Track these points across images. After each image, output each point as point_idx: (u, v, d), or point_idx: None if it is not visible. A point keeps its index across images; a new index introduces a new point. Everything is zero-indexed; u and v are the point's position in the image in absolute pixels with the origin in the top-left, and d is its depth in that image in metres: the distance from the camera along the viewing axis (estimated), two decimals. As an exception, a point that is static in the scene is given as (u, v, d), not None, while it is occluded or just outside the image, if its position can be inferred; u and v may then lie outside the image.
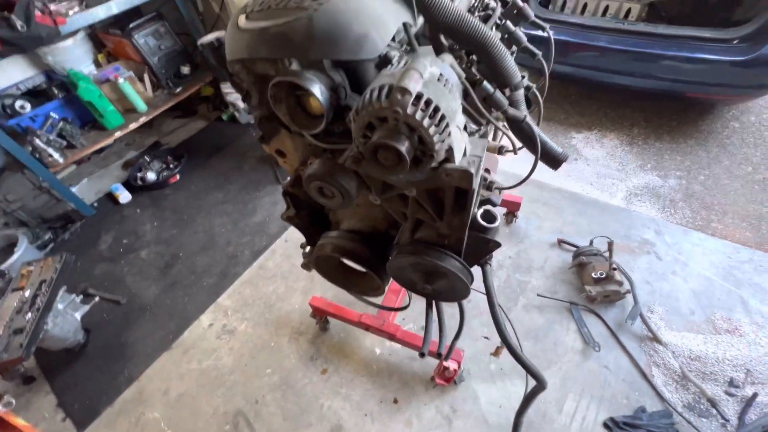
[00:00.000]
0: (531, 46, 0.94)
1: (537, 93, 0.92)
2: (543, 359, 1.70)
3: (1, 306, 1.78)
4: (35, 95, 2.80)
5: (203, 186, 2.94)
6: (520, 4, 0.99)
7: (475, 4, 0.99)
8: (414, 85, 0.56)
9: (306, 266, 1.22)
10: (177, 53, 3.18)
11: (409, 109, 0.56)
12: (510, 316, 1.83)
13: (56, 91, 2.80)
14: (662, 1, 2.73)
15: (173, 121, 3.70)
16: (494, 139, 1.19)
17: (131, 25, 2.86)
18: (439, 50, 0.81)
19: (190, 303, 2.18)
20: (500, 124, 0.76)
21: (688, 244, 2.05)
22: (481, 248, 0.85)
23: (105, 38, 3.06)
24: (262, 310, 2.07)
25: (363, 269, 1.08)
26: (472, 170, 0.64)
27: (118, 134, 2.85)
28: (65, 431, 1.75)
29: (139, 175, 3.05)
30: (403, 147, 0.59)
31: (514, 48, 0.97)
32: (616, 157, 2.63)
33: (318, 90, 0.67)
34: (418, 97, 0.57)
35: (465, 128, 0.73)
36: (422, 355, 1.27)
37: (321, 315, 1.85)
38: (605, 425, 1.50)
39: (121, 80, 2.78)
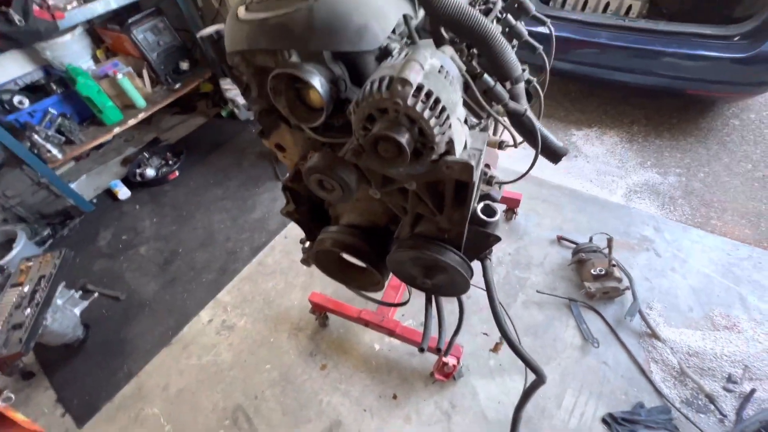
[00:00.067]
0: (532, 40, 0.93)
1: (538, 87, 0.92)
2: (542, 355, 1.70)
3: (1, 301, 1.78)
4: (33, 91, 2.79)
5: (202, 182, 2.94)
6: (521, -3, 0.99)
7: (476, -2, 0.99)
8: (415, 76, 0.56)
9: (305, 261, 1.21)
10: (176, 49, 3.17)
11: (410, 101, 0.56)
12: (509, 312, 1.84)
13: (55, 87, 2.79)
14: (663, -3, 2.72)
15: (172, 117, 3.69)
16: (494, 133, 1.19)
17: (130, 21, 2.84)
18: (439, 43, 0.81)
19: (189, 299, 2.18)
20: (501, 118, 0.76)
21: (688, 241, 2.05)
22: (481, 242, 0.85)
23: (103, 33, 3.04)
24: (261, 306, 2.08)
25: (363, 264, 1.08)
26: (473, 163, 0.64)
27: (117, 130, 2.84)
28: (65, 426, 1.75)
29: (138, 171, 3.04)
30: (404, 139, 0.59)
31: (515, 42, 0.96)
32: (616, 154, 2.63)
33: (318, 82, 0.67)
34: (419, 88, 0.57)
35: (465, 121, 0.72)
36: (422, 350, 1.27)
37: (320, 311, 1.85)
38: (604, 421, 1.50)
39: (119, 76, 2.76)
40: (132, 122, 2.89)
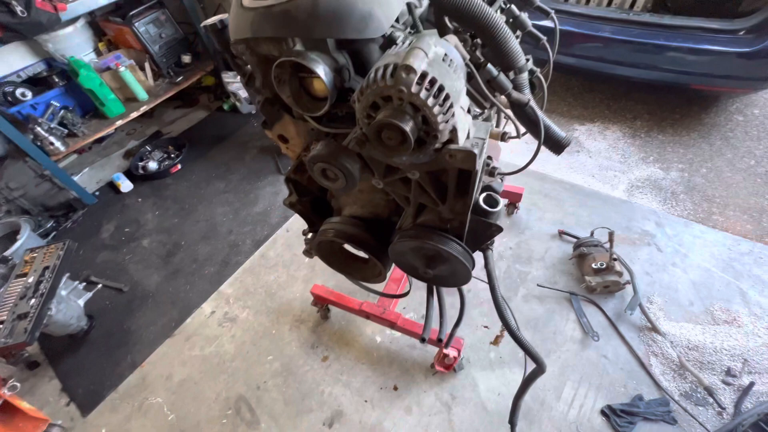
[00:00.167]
0: (535, 30, 0.93)
1: (541, 77, 0.92)
2: (542, 348, 1.71)
3: (5, 292, 1.80)
4: (36, 83, 2.79)
5: (204, 176, 2.94)
6: (525, -12, 0.98)
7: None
8: (419, 64, 0.56)
9: (308, 252, 1.22)
10: (178, 42, 3.17)
11: (414, 88, 0.56)
12: (510, 305, 1.85)
13: (57, 80, 2.79)
14: (668, -9, 2.70)
15: (174, 111, 3.69)
16: (497, 125, 1.19)
17: (132, 13, 2.84)
18: (443, 33, 0.81)
19: (192, 291, 2.19)
20: (504, 107, 0.76)
21: (689, 236, 2.05)
22: (483, 232, 0.85)
23: (105, 26, 3.04)
24: (263, 298, 2.09)
25: (365, 255, 1.08)
26: (476, 151, 0.64)
27: (119, 123, 2.84)
28: (69, 415, 1.77)
29: (140, 164, 3.05)
30: (408, 126, 0.59)
31: (518, 33, 0.96)
32: (618, 149, 2.62)
33: (322, 70, 0.67)
34: (423, 76, 0.57)
35: (468, 111, 0.73)
36: (423, 340, 1.28)
37: (322, 303, 1.86)
38: (603, 413, 1.52)
39: (121, 68, 2.76)
40: (134, 115, 2.89)
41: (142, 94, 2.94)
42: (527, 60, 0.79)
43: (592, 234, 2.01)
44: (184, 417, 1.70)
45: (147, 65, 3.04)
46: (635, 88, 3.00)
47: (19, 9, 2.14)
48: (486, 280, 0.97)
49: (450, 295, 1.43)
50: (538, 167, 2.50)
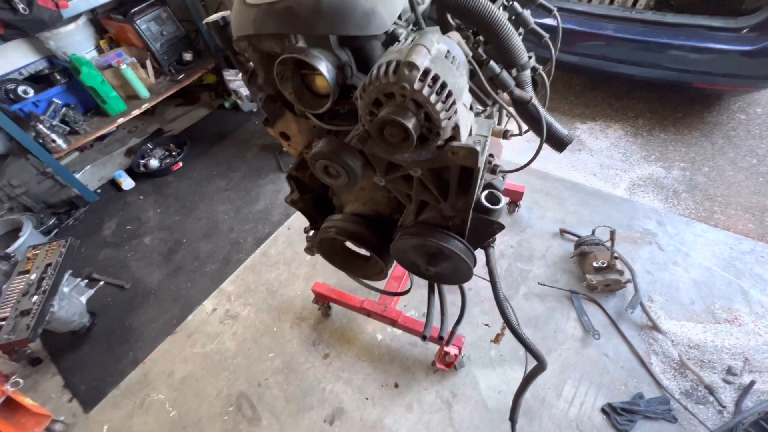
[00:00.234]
0: (538, 28, 0.93)
1: (544, 75, 0.92)
2: (543, 346, 1.71)
3: (8, 288, 1.80)
4: (37, 81, 2.79)
5: (206, 173, 2.95)
6: (528, -15, 0.98)
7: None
8: (422, 61, 0.56)
9: (309, 250, 1.22)
10: (179, 39, 3.17)
11: (417, 85, 0.56)
12: (511, 304, 1.85)
13: (59, 77, 2.80)
14: (671, -11, 2.69)
15: (176, 108, 3.69)
16: (499, 123, 1.19)
17: (133, 10, 2.84)
18: (446, 30, 0.80)
19: (193, 288, 2.20)
20: (506, 104, 0.76)
21: (691, 234, 2.05)
22: (485, 230, 0.85)
23: (107, 23, 3.04)
24: (264, 295, 2.09)
25: (366, 253, 1.09)
26: (478, 148, 0.64)
27: (120, 120, 2.85)
28: (72, 411, 1.78)
29: (142, 162, 3.06)
30: (410, 123, 0.59)
31: (521, 30, 0.96)
32: (620, 148, 2.62)
33: (324, 67, 0.67)
34: (426, 72, 0.57)
35: (471, 108, 0.73)
36: (424, 338, 1.28)
37: (323, 301, 1.87)
38: (603, 411, 1.52)
39: (123, 66, 2.77)
40: (136, 113, 2.90)
41: (143, 92, 2.94)
42: (530, 57, 0.79)
43: (593, 232, 2.01)
44: (185, 413, 1.71)
45: (148, 63, 3.04)
46: (637, 86, 2.99)
47: (20, 6, 2.14)
48: (487, 278, 0.97)
49: (451, 293, 1.43)
50: (539, 165, 2.50)
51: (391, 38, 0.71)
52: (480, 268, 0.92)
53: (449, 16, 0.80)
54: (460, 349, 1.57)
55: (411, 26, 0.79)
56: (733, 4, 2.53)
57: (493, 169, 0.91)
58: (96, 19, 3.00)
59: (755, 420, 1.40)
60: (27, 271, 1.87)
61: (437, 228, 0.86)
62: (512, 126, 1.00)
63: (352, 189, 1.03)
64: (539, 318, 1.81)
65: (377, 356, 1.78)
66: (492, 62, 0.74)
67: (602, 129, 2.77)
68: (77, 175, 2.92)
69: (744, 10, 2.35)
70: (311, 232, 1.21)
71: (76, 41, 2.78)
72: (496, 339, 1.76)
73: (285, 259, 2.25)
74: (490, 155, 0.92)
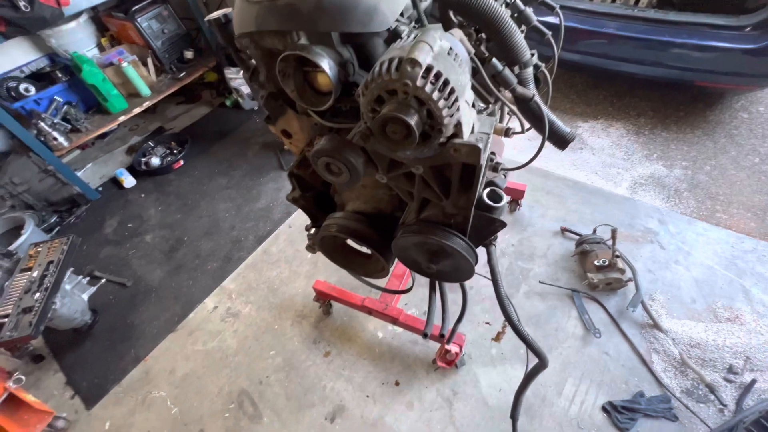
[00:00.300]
0: (540, 25, 0.92)
1: (546, 72, 0.91)
2: (544, 344, 1.70)
3: (10, 285, 1.81)
4: (39, 79, 2.79)
5: (207, 172, 2.95)
6: (530, -17, 0.98)
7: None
8: (424, 57, 0.56)
9: (311, 248, 1.23)
10: (180, 37, 3.16)
11: (419, 82, 0.56)
12: (512, 302, 1.85)
13: (60, 75, 2.80)
14: (673, -13, 2.67)
15: (177, 107, 3.69)
16: (500, 121, 1.19)
17: (134, 8, 2.84)
18: (448, 27, 0.80)
19: (194, 286, 2.20)
20: (508, 101, 0.76)
21: (692, 233, 2.05)
22: (487, 228, 0.85)
23: (108, 21, 3.04)
24: (265, 293, 2.10)
25: (367, 251, 1.09)
26: (481, 146, 0.64)
27: (122, 118, 2.85)
28: (74, 408, 1.79)
29: (143, 160, 3.06)
30: (412, 120, 0.59)
31: (523, 27, 0.96)
32: (621, 146, 2.61)
33: (326, 64, 0.67)
34: (428, 69, 0.57)
35: (473, 106, 0.72)
36: (425, 335, 1.28)
37: (324, 299, 1.87)
38: (604, 409, 1.52)
39: (124, 64, 2.77)
40: (137, 111, 2.90)
41: (144, 90, 2.94)
42: (532, 55, 0.79)
43: (594, 231, 2.01)
44: (187, 411, 1.72)
45: (149, 61, 3.04)
46: (639, 85, 2.98)
47: (22, 4, 2.14)
48: (488, 276, 0.97)
49: (452, 292, 1.43)
50: (540, 164, 2.50)
51: (393, 35, 0.70)
52: (481, 267, 0.92)
53: (451, 14, 0.80)
54: (461, 347, 1.57)
55: (413, 23, 0.79)
56: (736, 2, 2.52)
57: (495, 167, 0.91)
58: (97, 17, 3.00)
59: (756, 419, 1.39)
60: (29, 269, 1.87)
61: (439, 226, 0.86)
62: (514, 124, 1.00)
63: (353, 187, 1.03)
64: (540, 316, 1.81)
65: (378, 354, 1.79)
66: (494, 59, 0.74)
67: (604, 127, 2.77)
68: (79, 173, 2.93)
69: (747, 8, 2.34)
70: (313, 230, 1.21)
71: (77, 39, 2.78)
72: (497, 337, 1.76)
73: (286, 257, 2.25)
74: (492, 153, 0.91)
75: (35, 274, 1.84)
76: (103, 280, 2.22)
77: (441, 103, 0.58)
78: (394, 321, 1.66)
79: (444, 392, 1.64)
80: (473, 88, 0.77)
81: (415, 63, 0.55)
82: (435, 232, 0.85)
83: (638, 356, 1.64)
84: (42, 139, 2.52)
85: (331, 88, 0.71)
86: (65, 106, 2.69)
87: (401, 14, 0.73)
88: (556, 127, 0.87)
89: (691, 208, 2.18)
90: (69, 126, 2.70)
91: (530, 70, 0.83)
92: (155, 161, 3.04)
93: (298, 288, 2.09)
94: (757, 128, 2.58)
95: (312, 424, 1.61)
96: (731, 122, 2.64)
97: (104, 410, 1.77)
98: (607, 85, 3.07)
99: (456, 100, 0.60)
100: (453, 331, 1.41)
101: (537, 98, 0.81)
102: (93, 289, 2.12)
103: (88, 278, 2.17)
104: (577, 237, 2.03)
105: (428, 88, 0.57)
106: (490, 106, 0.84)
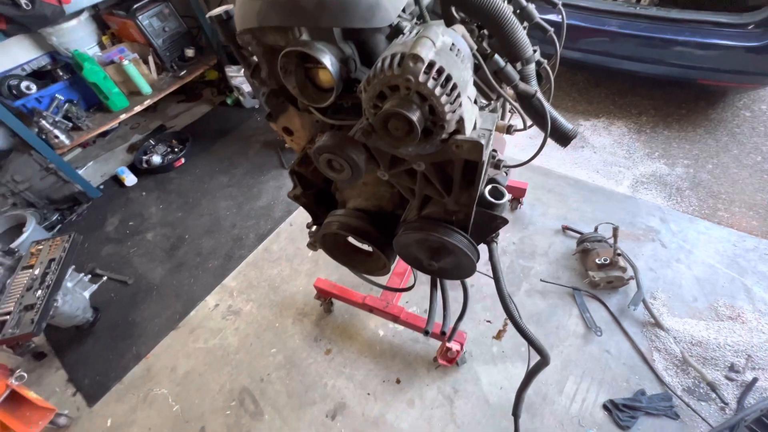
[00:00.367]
0: (543, 22, 0.92)
1: (548, 69, 0.91)
2: (545, 343, 1.66)
3: (12, 283, 1.81)
4: (40, 77, 2.79)
5: (208, 170, 2.95)
6: (532, -21, 0.97)
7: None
8: (427, 53, 0.56)
9: (312, 245, 1.23)
10: (181, 36, 3.16)
11: (421, 77, 0.56)
12: (513, 300, 1.85)
13: (61, 73, 2.80)
14: (676, -16, 2.66)
15: (178, 105, 3.69)
16: (502, 118, 1.18)
17: (135, 6, 2.84)
18: (450, 23, 0.80)
19: (196, 284, 2.21)
20: (510, 98, 0.75)
21: (694, 232, 2.04)
22: (488, 225, 0.85)
23: (109, 19, 3.03)
24: (267, 291, 2.10)
25: (369, 248, 1.09)
26: (483, 142, 0.64)
27: (123, 116, 2.85)
28: (76, 405, 1.80)
29: (144, 158, 3.06)
30: (415, 116, 0.59)
31: (525, 24, 0.95)
32: (623, 144, 2.61)
33: (328, 60, 0.67)
34: (430, 65, 0.57)
35: (475, 102, 0.72)
36: (426, 333, 1.28)
37: (325, 296, 1.87)
38: (605, 407, 1.52)
39: (125, 62, 2.76)
40: (138, 109, 2.90)
41: (145, 88, 2.94)
42: (534, 51, 0.79)
43: (595, 229, 2.00)
44: (188, 408, 1.72)
45: (150, 59, 3.04)
46: (641, 83, 2.98)
47: (23, 1, 2.14)
48: (489, 274, 0.97)
49: (453, 290, 1.43)
50: (542, 162, 2.49)
51: (395, 31, 0.70)
52: (482, 265, 0.92)
53: (453, 10, 0.80)
54: (462, 345, 1.57)
55: (415, 20, 0.79)
56: (739, -1, 2.51)
57: (497, 164, 0.91)
58: (98, 15, 3.00)
59: (758, 417, 1.39)
60: (31, 266, 1.87)
61: (441, 222, 0.85)
62: (516, 121, 1.00)
63: (355, 184, 1.03)
64: (541, 315, 1.81)
65: (379, 352, 1.79)
66: (496, 56, 0.74)
67: (605, 126, 2.76)
68: (80, 171, 2.93)
69: (750, 5, 2.32)
70: (314, 228, 1.21)
71: (78, 37, 2.77)
72: (498, 335, 1.76)
73: (287, 256, 2.25)
74: (494, 150, 0.91)
75: (37, 271, 1.84)
76: (105, 278, 2.22)
77: (443, 98, 0.58)
78: (396, 319, 1.66)
79: (445, 390, 1.64)
80: (475, 84, 0.76)
81: (417, 58, 0.55)
82: (437, 229, 0.85)
83: (639, 354, 1.64)
84: (43, 137, 2.52)
85: (333, 85, 0.70)
86: (66, 104, 2.69)
87: (403, 10, 0.73)
88: (559, 124, 0.87)
89: (692, 206, 2.18)
90: (70, 124, 2.70)
91: (532, 67, 0.82)
92: (156, 159, 3.04)
93: (299, 286, 2.10)
94: (760, 126, 2.57)
95: (313, 421, 1.62)
96: (733, 120, 2.64)
97: (106, 407, 1.77)
98: (608, 84, 3.07)
99: (458, 95, 0.60)
100: (454, 328, 1.41)
101: (539, 95, 0.81)
102: (94, 286, 2.12)
103: (89, 276, 2.18)
104: (578, 235, 2.03)
105: (430, 83, 0.56)
106: (492, 102, 0.83)
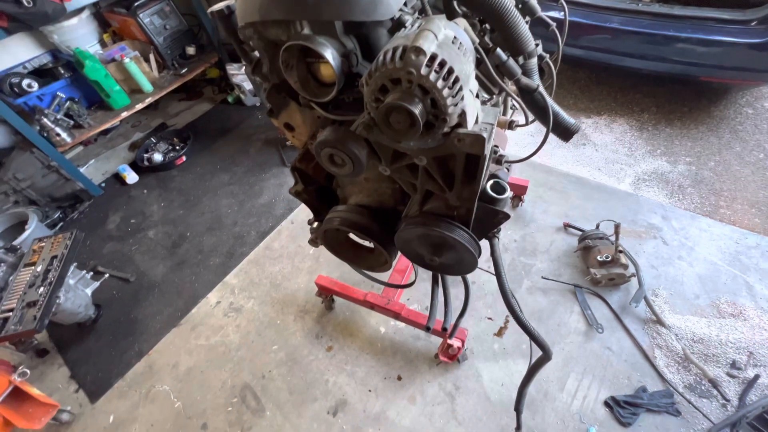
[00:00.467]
0: (545, 16, 0.92)
1: (550, 63, 0.91)
2: (546, 339, 1.70)
3: (15, 280, 1.82)
4: (42, 75, 2.80)
5: (209, 168, 2.95)
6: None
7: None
8: (429, 46, 0.56)
9: (313, 241, 1.23)
10: (182, 33, 3.16)
11: (423, 70, 0.56)
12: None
13: (62, 71, 2.80)
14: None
15: (179, 103, 3.69)
16: (504, 114, 1.18)
17: (136, 4, 2.84)
18: (452, 17, 0.80)
19: (197, 281, 2.21)
20: (512, 92, 0.75)
21: (696, 229, 2.04)
22: (490, 220, 0.85)
23: (110, 17, 3.04)
24: (268, 289, 2.10)
25: (370, 244, 1.09)
26: (485, 135, 0.64)
27: (124, 114, 2.85)
28: (78, 401, 1.80)
29: (145, 156, 3.06)
30: (416, 109, 0.59)
31: (527, 19, 0.95)
32: (625, 142, 2.60)
33: (330, 54, 0.67)
34: (432, 58, 0.57)
35: (477, 96, 0.72)
36: (428, 329, 1.28)
37: (326, 294, 1.87)
38: (606, 404, 1.52)
39: (126, 60, 2.77)
40: (139, 107, 2.90)
41: (147, 86, 2.94)
42: (537, 45, 0.78)
43: (597, 227, 2.00)
44: (190, 404, 1.73)
45: (152, 57, 3.04)
46: (643, 80, 2.97)
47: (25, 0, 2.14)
48: (491, 271, 0.97)
49: (454, 287, 1.43)
50: (543, 160, 2.49)
51: (397, 25, 0.70)
52: (483, 262, 0.92)
53: (455, 4, 0.79)
54: (463, 341, 1.57)
55: (417, 13, 0.78)
56: (742, -4, 2.49)
57: (499, 160, 0.91)
58: (99, 13, 3.00)
59: (759, 414, 1.39)
60: (33, 264, 1.88)
61: (442, 218, 0.85)
62: (517, 117, 0.99)
63: (356, 179, 1.03)
64: (543, 312, 1.81)
65: (380, 349, 1.79)
66: (498, 50, 0.74)
67: (607, 123, 2.75)
68: (81, 169, 2.94)
69: (752, 2, 2.31)
70: (315, 224, 1.21)
71: (79, 35, 2.78)
72: (499, 332, 1.77)
73: (288, 253, 2.26)
74: (495, 146, 0.91)
75: (39, 268, 1.85)
76: (107, 276, 2.23)
77: (445, 91, 0.58)
78: (397, 316, 1.66)
79: (446, 387, 1.64)
80: (477, 78, 0.76)
81: (419, 51, 0.55)
82: (438, 224, 0.84)
83: (641, 351, 1.64)
84: (45, 135, 2.53)
85: (335, 79, 0.70)
86: (68, 102, 2.70)
87: (405, 4, 0.73)
88: (561, 118, 0.87)
89: (694, 203, 2.17)
90: (72, 122, 2.70)
91: (534, 61, 0.82)
92: (158, 157, 3.04)
93: (300, 283, 2.10)
94: (762, 124, 2.56)
95: (314, 418, 1.62)
96: (736, 118, 2.63)
97: (108, 404, 1.78)
98: (610, 81, 3.06)
99: (460, 89, 0.59)
100: (455, 325, 1.41)
101: (541, 89, 0.81)
102: (96, 284, 2.13)
103: (91, 273, 2.19)
104: (579, 233, 2.03)
105: (432, 76, 0.56)
106: (494, 97, 0.83)
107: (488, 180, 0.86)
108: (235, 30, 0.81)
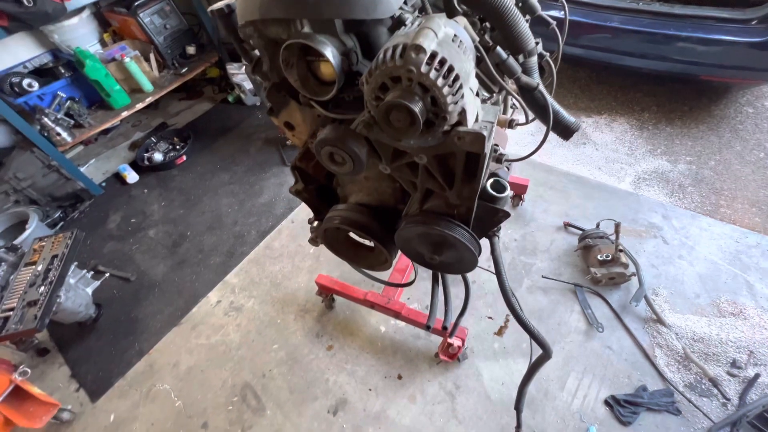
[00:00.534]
0: (545, 15, 0.92)
1: (551, 61, 0.91)
2: (546, 338, 1.70)
3: (15, 279, 1.82)
4: (42, 74, 2.80)
5: (210, 167, 2.95)
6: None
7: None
8: (429, 44, 0.56)
9: (313, 240, 1.23)
10: (182, 33, 3.16)
11: (424, 68, 0.56)
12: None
13: (63, 71, 2.81)
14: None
15: (179, 102, 3.70)
16: (504, 112, 1.18)
17: (136, 3, 2.84)
18: (452, 16, 0.80)
19: (198, 281, 2.21)
20: (512, 90, 0.75)
21: (696, 228, 2.04)
22: (490, 218, 0.85)
23: (110, 17, 3.04)
24: (268, 288, 2.10)
25: (371, 243, 1.09)
26: (485, 133, 0.64)
27: (124, 114, 2.86)
28: (79, 401, 1.81)
29: (146, 155, 3.07)
30: (417, 107, 0.59)
31: (528, 17, 0.95)
32: (625, 141, 2.60)
33: (330, 53, 0.67)
34: (433, 56, 0.57)
35: (477, 94, 0.72)
36: (428, 327, 1.28)
37: (327, 293, 1.87)
38: (606, 403, 1.52)
39: (127, 59, 2.77)
40: (139, 106, 2.90)
41: (147, 86, 2.95)
42: (537, 43, 0.78)
43: (597, 226, 2.00)
44: (191, 404, 1.73)
45: (152, 56, 3.04)
46: (643, 79, 2.96)
47: (25, -1, 2.14)
48: (491, 269, 0.97)
49: (455, 286, 1.44)
50: (543, 159, 2.49)
51: (397, 23, 0.70)
52: (483, 261, 0.92)
53: (456, 2, 0.79)
54: (463, 340, 1.58)
55: (417, 12, 0.78)
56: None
57: (499, 158, 0.91)
58: (99, 13, 3.00)
59: (759, 413, 1.39)
60: (34, 263, 1.88)
61: (443, 216, 0.85)
62: (518, 116, 0.99)
63: (356, 178, 1.03)
64: (543, 311, 1.81)
65: (381, 348, 1.79)
66: (498, 48, 0.74)
67: (607, 123, 2.75)
68: (82, 169, 2.94)
69: (753, 1, 2.31)
70: (315, 223, 1.21)
71: (79, 34, 2.78)
72: (500, 331, 1.77)
73: (289, 252, 2.26)
74: (496, 144, 0.91)
75: (40, 268, 1.85)
76: (107, 275, 2.23)
77: (445, 89, 0.58)
78: (397, 315, 1.66)
79: (446, 386, 1.64)
80: (477, 76, 0.76)
81: (419, 49, 0.55)
82: (438, 222, 0.84)
83: (641, 350, 1.64)
84: (45, 134, 2.53)
85: (335, 78, 0.70)
86: (68, 102, 2.70)
87: (405, 2, 0.73)
88: (561, 117, 0.87)
89: (695, 203, 2.17)
90: (72, 121, 2.70)
91: (535, 59, 0.82)
92: (158, 157, 3.05)
93: (300, 282, 2.10)
94: (763, 123, 2.56)
95: (315, 416, 1.62)
96: (736, 117, 2.62)
97: (109, 403, 1.78)
98: (611, 80, 3.06)
99: (460, 87, 0.59)
100: (456, 324, 1.41)
101: (541, 87, 0.81)
102: (97, 283, 2.13)
103: (92, 272, 2.19)
104: (580, 232, 2.03)
105: (433, 74, 0.56)
106: (494, 95, 0.83)
107: (488, 178, 0.86)
108: (235, 29, 0.81)
